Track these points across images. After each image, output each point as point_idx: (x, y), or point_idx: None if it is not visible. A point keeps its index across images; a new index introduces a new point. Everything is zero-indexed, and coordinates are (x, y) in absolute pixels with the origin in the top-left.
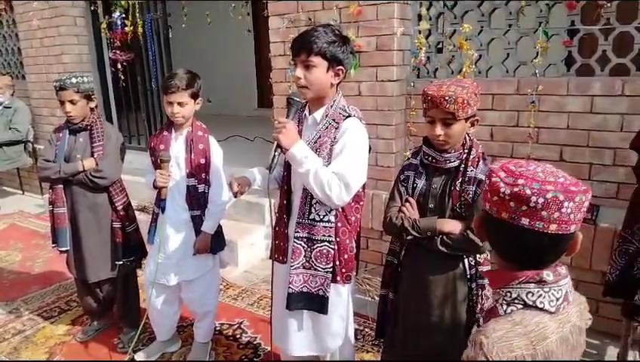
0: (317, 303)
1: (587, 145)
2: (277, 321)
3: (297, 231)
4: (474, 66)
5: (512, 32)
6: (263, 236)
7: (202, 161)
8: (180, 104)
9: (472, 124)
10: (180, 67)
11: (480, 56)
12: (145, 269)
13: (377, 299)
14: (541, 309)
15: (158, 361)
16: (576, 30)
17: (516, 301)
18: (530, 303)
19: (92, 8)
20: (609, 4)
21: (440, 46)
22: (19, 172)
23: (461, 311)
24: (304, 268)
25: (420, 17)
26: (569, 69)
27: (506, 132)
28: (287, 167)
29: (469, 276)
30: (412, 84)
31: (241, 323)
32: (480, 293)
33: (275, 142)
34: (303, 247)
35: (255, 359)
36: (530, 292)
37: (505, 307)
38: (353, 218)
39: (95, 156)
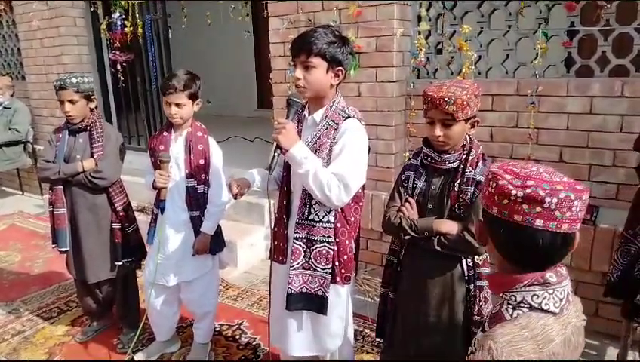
0: (316, 303)
1: (587, 146)
2: (276, 322)
3: (297, 232)
4: (474, 67)
5: (511, 33)
6: (262, 237)
7: (201, 161)
8: (178, 105)
9: (473, 125)
10: (180, 68)
11: (480, 57)
12: (144, 270)
13: (377, 299)
14: (546, 311)
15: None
16: (575, 31)
17: (522, 304)
18: (536, 306)
19: (92, 9)
20: (609, 5)
21: (440, 47)
22: (19, 172)
23: (458, 312)
24: (303, 268)
25: (419, 18)
26: (569, 70)
27: (505, 133)
28: (287, 167)
29: (467, 277)
30: (412, 84)
31: (240, 323)
32: (478, 295)
33: (275, 143)
34: (303, 248)
35: (254, 360)
36: (535, 294)
37: (511, 311)
38: (352, 218)
39: (95, 157)
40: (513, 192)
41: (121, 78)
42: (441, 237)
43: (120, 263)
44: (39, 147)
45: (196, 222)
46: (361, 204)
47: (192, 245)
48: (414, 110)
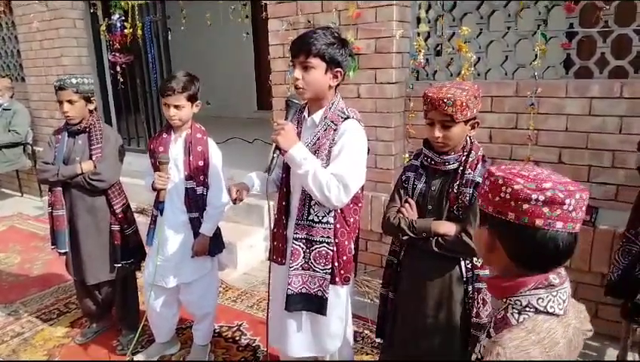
0: (316, 304)
1: (586, 148)
2: (275, 322)
3: (296, 233)
4: (473, 69)
5: (510, 34)
6: (262, 238)
7: (201, 163)
8: (176, 107)
9: (473, 127)
10: (180, 69)
11: (479, 58)
12: (144, 271)
13: (376, 301)
14: (552, 314)
15: None
16: (574, 33)
17: (527, 308)
18: (542, 309)
19: (91, 10)
20: (607, 7)
21: (439, 48)
22: (18, 174)
23: (456, 313)
24: (303, 269)
25: (418, 20)
26: (568, 72)
27: (505, 134)
28: (286, 168)
29: (465, 279)
30: (411, 86)
31: (240, 325)
32: (476, 297)
33: (274, 144)
34: (302, 248)
35: (254, 361)
36: (540, 298)
37: (517, 316)
38: (352, 219)
39: (94, 158)
40: (534, 196)
41: (121, 79)
42: (439, 238)
43: (119, 265)
44: (39, 149)
45: (195, 224)
46: (360, 204)
47: (192, 247)
48: (413, 111)
